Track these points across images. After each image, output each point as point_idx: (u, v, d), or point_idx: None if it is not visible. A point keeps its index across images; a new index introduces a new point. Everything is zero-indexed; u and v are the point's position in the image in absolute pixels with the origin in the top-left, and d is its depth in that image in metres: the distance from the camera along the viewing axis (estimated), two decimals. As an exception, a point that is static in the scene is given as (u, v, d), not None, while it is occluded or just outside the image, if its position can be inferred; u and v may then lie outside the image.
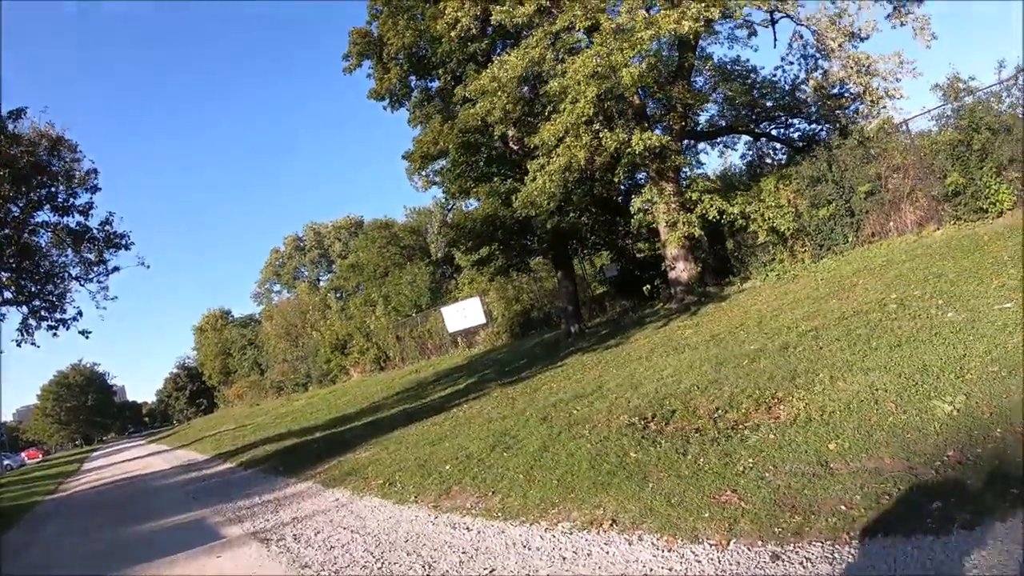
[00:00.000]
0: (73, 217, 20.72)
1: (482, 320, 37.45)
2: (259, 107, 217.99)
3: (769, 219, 21.56)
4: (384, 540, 7.72)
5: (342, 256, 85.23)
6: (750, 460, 6.82)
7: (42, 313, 22.01)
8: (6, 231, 19.42)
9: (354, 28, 26.89)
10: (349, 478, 12.01)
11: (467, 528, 7.39)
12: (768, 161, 29.97)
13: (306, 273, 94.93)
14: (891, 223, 20.98)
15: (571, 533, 6.42)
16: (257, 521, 10.37)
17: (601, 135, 19.99)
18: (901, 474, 5.58)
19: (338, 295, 68.10)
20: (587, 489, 7.36)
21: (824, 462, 6.28)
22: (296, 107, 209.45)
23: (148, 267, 24.04)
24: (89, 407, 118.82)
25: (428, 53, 26.00)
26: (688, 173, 26.02)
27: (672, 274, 23.46)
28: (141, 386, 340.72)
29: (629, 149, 20.04)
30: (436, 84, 27.48)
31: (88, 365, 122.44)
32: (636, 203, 22.65)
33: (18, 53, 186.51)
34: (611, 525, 6.28)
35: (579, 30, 19.78)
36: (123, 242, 21.54)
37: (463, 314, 38.46)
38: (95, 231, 21.06)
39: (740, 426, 8.05)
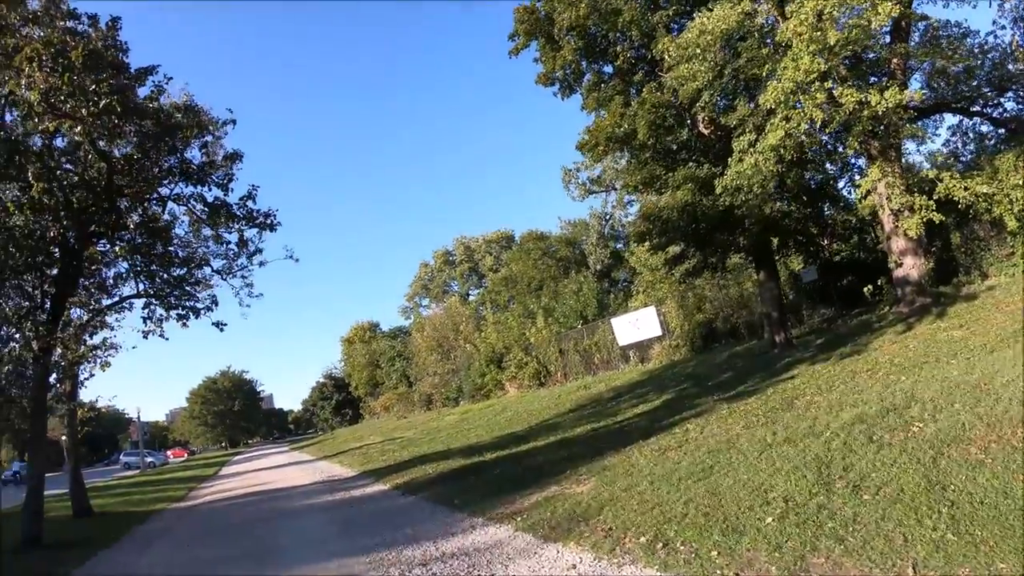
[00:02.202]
0: (210, 191, 18.86)
1: (657, 332, 34.53)
2: (405, 120, 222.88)
3: (1018, 202, 18.18)
4: None
5: (493, 270, 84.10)
6: None
7: (171, 300, 20.50)
8: (127, 203, 17.65)
9: (519, 6, 24.93)
10: (575, 526, 8.96)
11: None
12: (970, 147, 26.14)
13: (456, 287, 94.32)
14: None
15: None
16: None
17: (838, 92, 16.98)
18: None
19: (493, 310, 66.50)
20: None
21: None
22: (442, 121, 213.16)
23: (297, 260, 22.56)
24: (235, 412, 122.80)
25: (602, 31, 23.90)
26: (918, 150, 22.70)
27: (899, 272, 20.60)
28: (287, 395, 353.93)
29: (867, 111, 17.03)
30: (610, 69, 25.21)
31: (237, 372, 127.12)
32: (864, 184, 19.44)
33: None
34: None
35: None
36: (268, 221, 19.40)
37: (636, 325, 35.66)
38: (235, 207, 19.06)
39: None
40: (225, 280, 22.68)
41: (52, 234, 15.64)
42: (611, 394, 27.61)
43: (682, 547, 7.16)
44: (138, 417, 73.73)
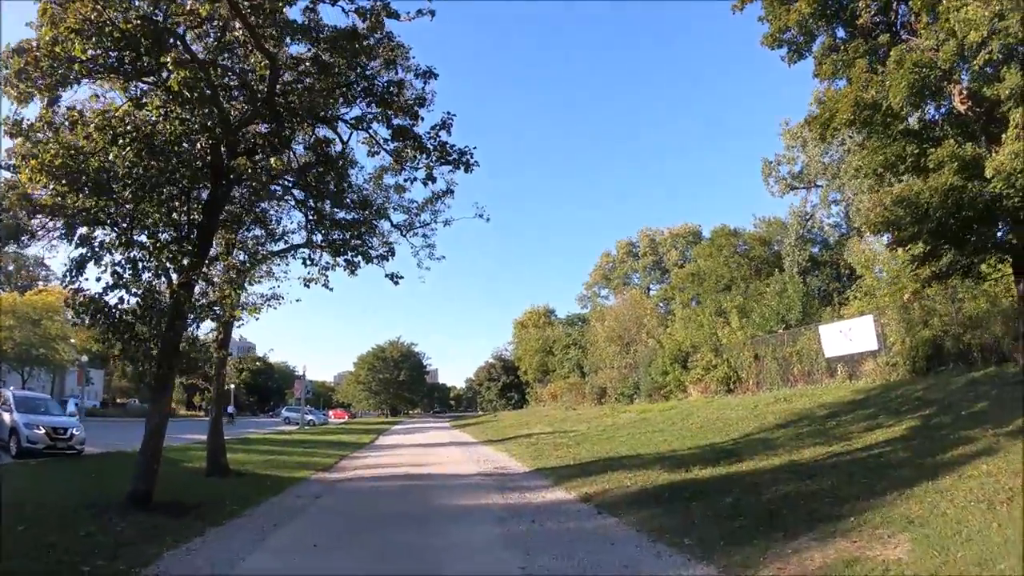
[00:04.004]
0: (396, 116, 15.88)
1: (873, 346, 29.94)
2: (600, 102, 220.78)
3: None
4: None
5: (678, 265, 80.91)
6: None
7: (339, 247, 18.19)
8: (296, 119, 15.05)
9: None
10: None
11: None
12: None
13: (637, 279, 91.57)
14: None
15: None
16: None
17: None
18: None
19: (682, 305, 63.51)
20: None
21: None
22: (636, 107, 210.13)
23: (488, 220, 20.34)
24: (400, 381, 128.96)
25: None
26: None
27: None
28: (451, 371, 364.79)
29: None
30: (842, 34, 22.22)
31: (406, 343, 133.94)
32: None
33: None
34: None
35: None
36: (464, 159, 16.36)
37: (847, 336, 31.26)
38: (425, 138, 16.13)
39: None
40: (405, 237, 20.76)
41: (200, 145, 13.56)
42: (823, 412, 23.92)
43: None
44: (303, 374, 75.02)
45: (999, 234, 19.61)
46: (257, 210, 18.60)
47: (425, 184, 17.10)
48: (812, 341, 33.66)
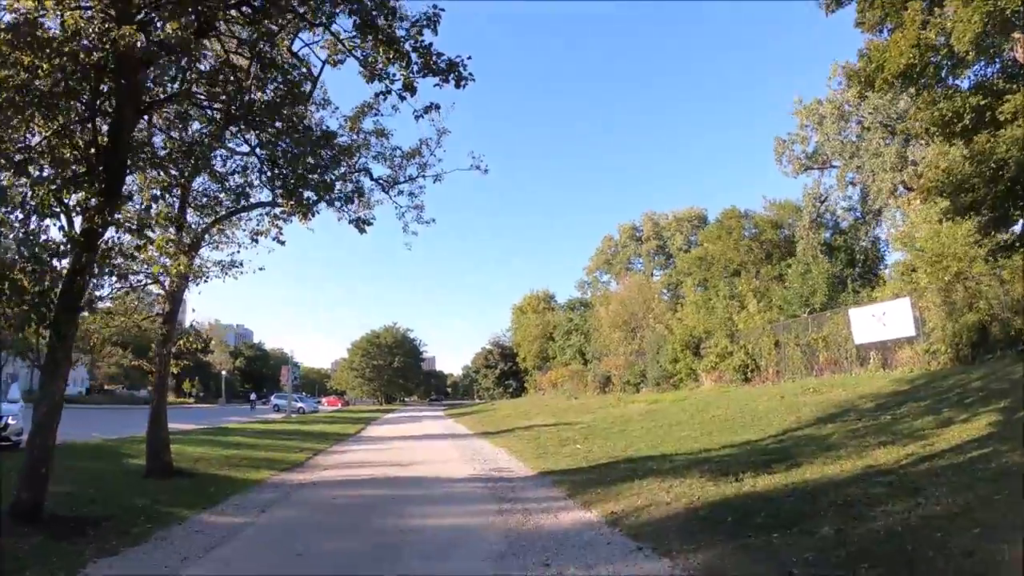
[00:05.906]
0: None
1: (910, 331, 27.22)
2: (598, 81, 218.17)
3: None
4: None
5: (683, 250, 78.66)
6: None
7: (291, 183, 14.21)
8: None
9: None
10: None
11: None
12: None
13: (640, 265, 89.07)
14: None
15: None
16: None
17: None
18: None
19: (695, 288, 61.32)
20: None
21: None
22: (639, 85, 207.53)
23: (486, 172, 18.09)
24: (395, 368, 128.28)
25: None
26: None
27: None
28: (448, 358, 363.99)
29: None
30: None
31: (401, 329, 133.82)
32: None
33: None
34: None
35: None
36: (454, 70, 12.28)
37: (880, 320, 28.66)
38: (403, 39, 12.14)
39: None
40: (387, 194, 18.06)
41: (95, 31, 9.88)
42: (869, 404, 20.84)
43: None
44: (290, 360, 73.15)
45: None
46: (193, 149, 14.78)
47: (403, 98, 13.16)
48: (840, 326, 31.12)
